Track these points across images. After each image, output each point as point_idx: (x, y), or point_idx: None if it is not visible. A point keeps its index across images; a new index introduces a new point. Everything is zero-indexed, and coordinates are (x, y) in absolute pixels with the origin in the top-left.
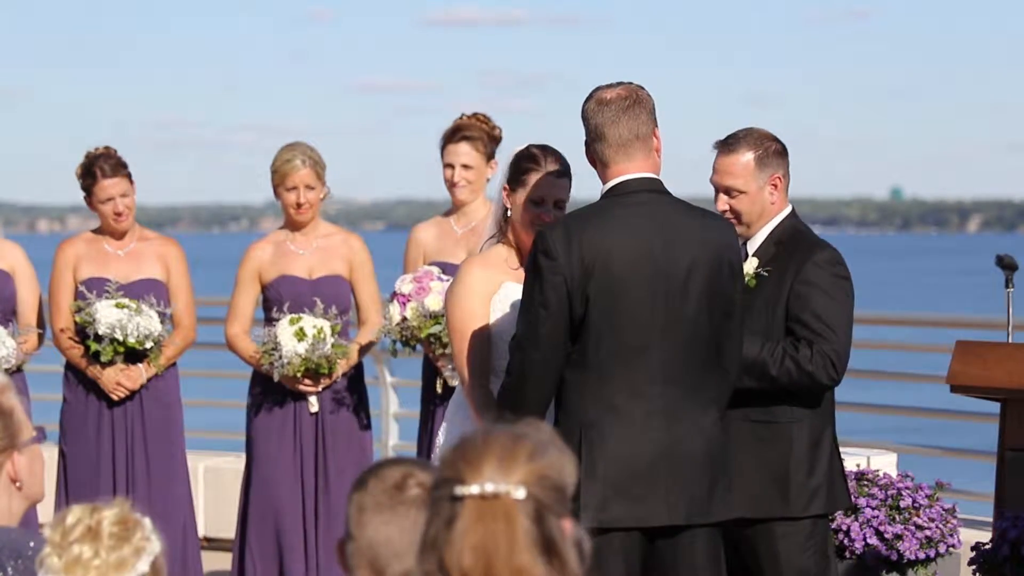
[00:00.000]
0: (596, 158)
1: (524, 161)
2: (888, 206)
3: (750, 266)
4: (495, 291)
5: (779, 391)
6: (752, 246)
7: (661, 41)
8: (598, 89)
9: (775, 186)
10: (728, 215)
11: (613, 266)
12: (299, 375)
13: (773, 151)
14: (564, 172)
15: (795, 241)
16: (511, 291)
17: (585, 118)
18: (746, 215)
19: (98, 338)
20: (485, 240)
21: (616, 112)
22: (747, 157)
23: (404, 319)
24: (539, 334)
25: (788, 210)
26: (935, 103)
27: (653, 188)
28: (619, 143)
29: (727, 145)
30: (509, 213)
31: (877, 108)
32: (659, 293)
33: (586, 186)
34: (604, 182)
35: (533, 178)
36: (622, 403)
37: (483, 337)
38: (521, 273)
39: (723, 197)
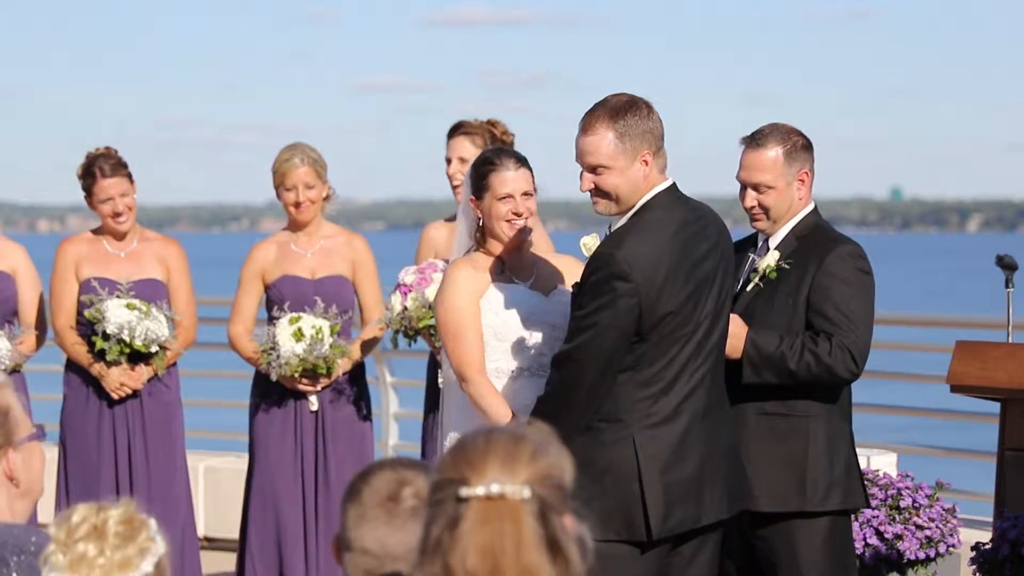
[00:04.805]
0: (659, 166)
1: (480, 167)
2: (888, 206)
3: (772, 259)
4: (484, 291)
5: (798, 386)
6: (774, 241)
7: (661, 41)
8: (630, 100)
9: (802, 181)
10: (756, 211)
11: (680, 282)
12: (297, 375)
13: (800, 146)
14: (522, 163)
15: (817, 236)
16: (500, 291)
17: (655, 126)
18: (774, 210)
19: (105, 336)
20: (462, 256)
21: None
22: (776, 152)
23: (405, 309)
24: (602, 352)
25: (811, 207)
26: (935, 103)
27: (679, 194)
28: None
29: (755, 141)
30: (481, 223)
31: (877, 108)
32: (705, 302)
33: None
34: (643, 193)
35: (494, 178)
36: (675, 410)
37: (476, 335)
38: (505, 277)
39: (751, 193)
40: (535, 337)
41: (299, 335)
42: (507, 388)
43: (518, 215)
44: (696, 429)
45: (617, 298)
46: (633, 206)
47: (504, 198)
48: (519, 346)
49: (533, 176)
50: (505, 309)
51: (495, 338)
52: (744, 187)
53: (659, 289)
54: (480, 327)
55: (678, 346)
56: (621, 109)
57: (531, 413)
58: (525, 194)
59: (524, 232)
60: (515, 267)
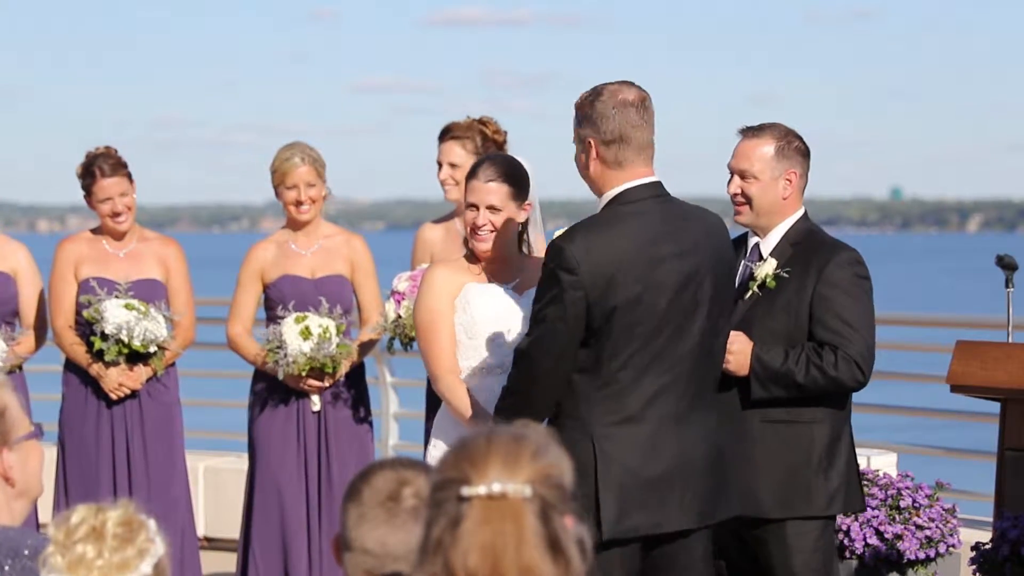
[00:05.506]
0: (609, 159)
1: (469, 171)
2: (888, 206)
3: (769, 267)
4: (457, 291)
5: (806, 398)
6: (766, 247)
7: (662, 41)
8: (608, 87)
9: (789, 181)
10: (739, 199)
11: (632, 278)
12: (303, 374)
13: (795, 147)
14: (496, 178)
15: (812, 242)
16: (473, 291)
17: (601, 116)
18: (756, 201)
19: (104, 336)
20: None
21: (640, 115)
22: (768, 145)
23: (399, 317)
24: (553, 345)
25: (801, 212)
26: (935, 103)
27: (661, 193)
28: (641, 147)
29: (752, 131)
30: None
31: (877, 108)
32: (674, 302)
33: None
34: (608, 185)
35: (469, 185)
36: (636, 412)
37: (449, 334)
38: (484, 275)
39: (736, 180)
40: (508, 335)
41: (306, 333)
42: (477, 385)
43: (476, 227)
44: (666, 434)
45: (563, 291)
46: (600, 196)
47: (468, 206)
48: (491, 344)
49: (516, 192)
50: (476, 307)
51: (466, 336)
52: (732, 175)
53: (608, 281)
54: (453, 327)
55: (635, 345)
56: (581, 96)
57: (495, 408)
58: (490, 208)
59: (486, 244)
60: (495, 270)
